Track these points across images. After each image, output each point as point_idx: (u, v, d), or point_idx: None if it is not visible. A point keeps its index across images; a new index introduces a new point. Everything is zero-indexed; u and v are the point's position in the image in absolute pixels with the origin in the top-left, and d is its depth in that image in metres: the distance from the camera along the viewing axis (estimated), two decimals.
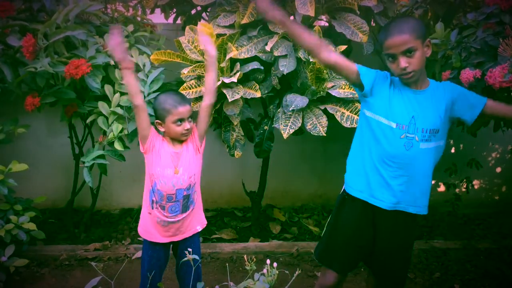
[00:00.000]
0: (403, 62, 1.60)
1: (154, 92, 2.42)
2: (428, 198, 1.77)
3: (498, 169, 3.93)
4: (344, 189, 1.88)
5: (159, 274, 2.09)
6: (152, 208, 1.97)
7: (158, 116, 1.91)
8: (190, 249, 1.60)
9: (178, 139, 1.94)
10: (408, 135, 1.65)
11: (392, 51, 1.61)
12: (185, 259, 1.55)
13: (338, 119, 2.32)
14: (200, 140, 1.99)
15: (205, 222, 2.11)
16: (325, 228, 1.97)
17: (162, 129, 1.93)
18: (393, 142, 1.67)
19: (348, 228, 1.84)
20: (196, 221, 2.05)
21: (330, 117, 2.37)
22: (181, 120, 1.88)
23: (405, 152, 1.66)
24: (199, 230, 2.07)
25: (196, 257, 1.39)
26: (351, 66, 1.72)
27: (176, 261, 2.12)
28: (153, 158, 1.92)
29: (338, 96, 2.30)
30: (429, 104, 1.67)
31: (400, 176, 1.70)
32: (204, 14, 2.98)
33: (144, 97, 2.38)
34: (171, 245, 2.09)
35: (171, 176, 1.91)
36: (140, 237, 3.30)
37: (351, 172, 1.85)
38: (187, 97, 2.33)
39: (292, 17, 2.41)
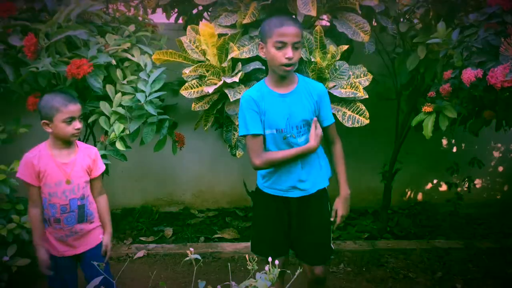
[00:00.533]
0: (291, 52, 1.72)
1: (155, 91, 2.42)
2: (326, 172, 2.02)
3: (500, 168, 3.92)
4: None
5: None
6: (51, 225, 1.89)
7: (44, 116, 1.79)
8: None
9: (67, 141, 1.86)
10: (287, 135, 1.86)
11: (285, 39, 1.72)
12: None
13: (340, 118, 2.31)
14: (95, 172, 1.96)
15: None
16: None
17: (49, 130, 1.81)
18: (280, 145, 1.88)
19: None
20: (97, 232, 1.99)
21: None
22: (72, 119, 1.79)
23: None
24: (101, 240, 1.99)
25: (198, 257, 1.39)
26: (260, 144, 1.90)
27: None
28: (45, 181, 1.84)
29: (339, 96, 2.30)
30: (297, 103, 1.84)
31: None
32: (205, 14, 2.98)
33: (146, 97, 2.38)
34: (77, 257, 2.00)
35: (63, 187, 1.84)
36: (141, 236, 3.32)
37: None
38: (189, 97, 2.33)
39: (293, 17, 2.42)
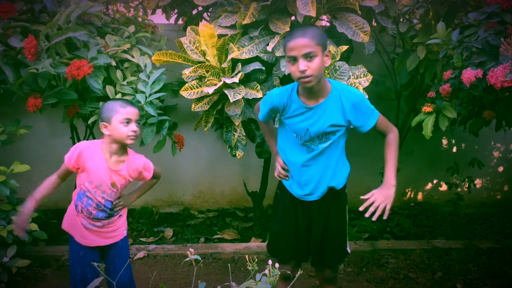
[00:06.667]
0: (302, 65, 1.65)
1: (155, 92, 2.42)
2: (343, 173, 1.94)
3: (500, 169, 3.92)
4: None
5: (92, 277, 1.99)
6: (80, 212, 1.93)
7: (103, 118, 1.85)
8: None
9: (121, 145, 1.88)
10: (307, 143, 1.84)
11: (293, 54, 1.66)
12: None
13: None
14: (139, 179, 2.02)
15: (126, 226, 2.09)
16: None
17: (106, 132, 1.85)
18: (298, 145, 1.88)
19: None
20: (123, 227, 2.04)
21: None
22: (129, 120, 1.82)
23: (308, 153, 1.86)
24: (125, 235, 2.05)
25: (198, 257, 1.39)
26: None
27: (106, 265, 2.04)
28: (86, 176, 1.88)
29: None
30: (321, 117, 1.79)
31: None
32: (205, 15, 2.98)
33: (146, 97, 2.38)
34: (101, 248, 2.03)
35: (103, 189, 1.89)
36: (142, 237, 3.32)
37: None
38: (189, 97, 2.33)
39: (293, 17, 2.42)
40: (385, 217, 1.73)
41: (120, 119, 1.81)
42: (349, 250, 2.04)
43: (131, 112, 1.83)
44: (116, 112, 1.81)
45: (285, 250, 2.02)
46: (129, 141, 1.86)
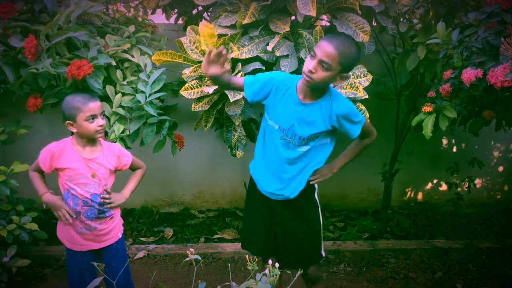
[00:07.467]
0: (313, 65, 1.67)
1: (155, 92, 2.42)
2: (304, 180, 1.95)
3: (500, 168, 3.92)
4: None
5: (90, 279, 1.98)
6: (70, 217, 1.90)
7: (67, 116, 1.82)
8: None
9: (91, 139, 1.87)
10: (287, 138, 1.85)
11: (317, 52, 1.68)
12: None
13: None
14: (122, 168, 2.01)
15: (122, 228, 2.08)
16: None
17: (73, 130, 1.83)
18: (276, 140, 1.87)
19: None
20: (116, 230, 2.01)
21: None
22: (94, 116, 1.80)
23: (284, 151, 1.87)
24: (120, 237, 2.03)
25: (198, 257, 1.39)
26: (239, 81, 1.93)
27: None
28: (65, 174, 1.86)
29: None
30: (309, 117, 1.80)
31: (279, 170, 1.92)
32: (205, 14, 2.98)
33: (146, 97, 2.39)
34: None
35: (85, 181, 1.86)
36: (142, 237, 3.32)
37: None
38: (189, 97, 2.33)
39: (293, 17, 2.42)
40: (311, 183, 1.95)
41: (84, 117, 1.80)
42: (323, 254, 2.05)
43: (94, 107, 1.81)
44: (79, 110, 1.79)
45: (255, 242, 2.07)
46: (98, 135, 1.86)
